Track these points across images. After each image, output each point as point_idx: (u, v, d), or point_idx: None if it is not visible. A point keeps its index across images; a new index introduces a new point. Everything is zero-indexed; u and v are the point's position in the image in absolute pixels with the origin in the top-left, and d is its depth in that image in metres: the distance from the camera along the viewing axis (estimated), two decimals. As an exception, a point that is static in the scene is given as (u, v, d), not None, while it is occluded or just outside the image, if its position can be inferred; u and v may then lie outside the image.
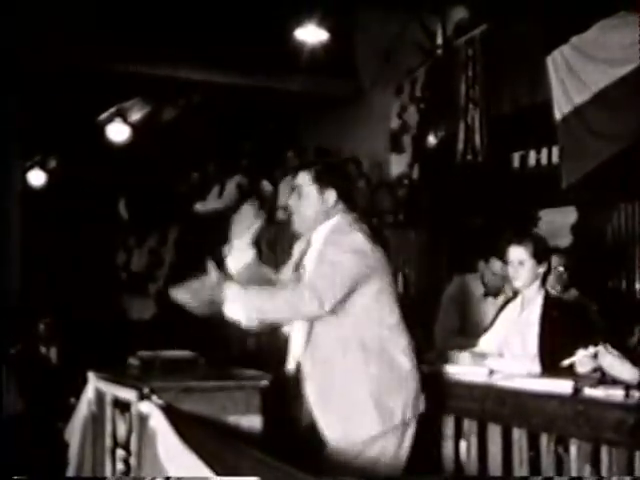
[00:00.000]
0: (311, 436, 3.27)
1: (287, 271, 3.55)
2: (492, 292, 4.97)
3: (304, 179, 3.43)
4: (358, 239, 3.30)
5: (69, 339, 7.55)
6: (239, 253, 3.50)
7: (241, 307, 3.11)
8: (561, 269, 4.98)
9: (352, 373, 3.26)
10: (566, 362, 3.57)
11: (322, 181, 3.40)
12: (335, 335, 3.27)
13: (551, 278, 4.92)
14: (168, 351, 3.71)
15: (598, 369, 3.47)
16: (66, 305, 8.87)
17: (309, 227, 3.44)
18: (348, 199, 3.45)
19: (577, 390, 3.27)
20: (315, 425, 3.28)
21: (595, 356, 3.47)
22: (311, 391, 3.31)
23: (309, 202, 3.41)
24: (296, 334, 3.41)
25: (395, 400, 3.28)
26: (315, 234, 3.44)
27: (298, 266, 3.48)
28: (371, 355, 3.28)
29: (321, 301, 3.14)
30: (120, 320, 9.35)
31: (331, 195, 3.40)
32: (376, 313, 3.32)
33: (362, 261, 3.26)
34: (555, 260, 4.93)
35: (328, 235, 3.37)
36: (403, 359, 3.33)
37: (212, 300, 3.13)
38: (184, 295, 3.18)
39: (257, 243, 3.56)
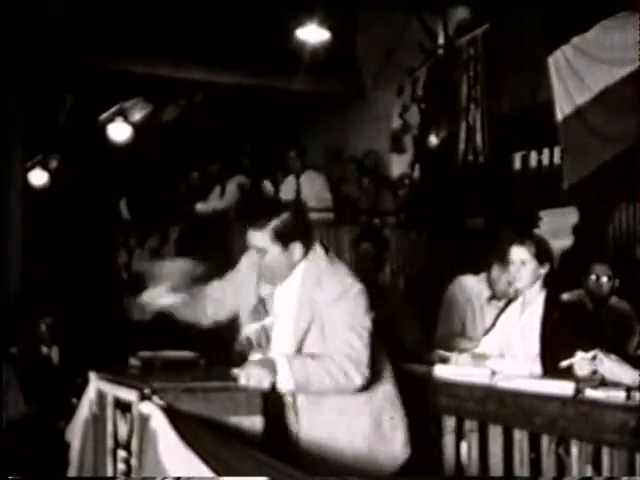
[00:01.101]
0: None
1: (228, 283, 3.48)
2: (501, 296, 4.93)
3: (263, 240, 3.19)
4: (348, 279, 3.19)
5: (71, 339, 7.55)
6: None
7: (290, 379, 3.07)
8: (605, 279, 5.04)
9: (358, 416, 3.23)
10: (564, 363, 3.58)
11: (283, 238, 3.18)
12: None
13: (591, 287, 4.98)
14: (168, 351, 3.71)
15: (597, 371, 3.47)
16: (67, 305, 8.87)
17: (281, 280, 3.28)
18: (315, 244, 3.28)
19: (578, 391, 3.27)
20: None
21: (594, 359, 3.47)
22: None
23: (275, 261, 3.21)
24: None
25: (396, 445, 3.24)
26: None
27: (264, 304, 3.34)
28: (380, 400, 3.25)
29: (364, 376, 3.09)
30: (122, 320, 9.35)
31: (296, 249, 3.21)
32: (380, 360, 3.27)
33: (367, 303, 3.19)
34: (599, 269, 4.98)
35: (315, 278, 3.20)
36: (397, 400, 3.30)
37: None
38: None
39: None
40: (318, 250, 3.27)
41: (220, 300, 3.52)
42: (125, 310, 9.76)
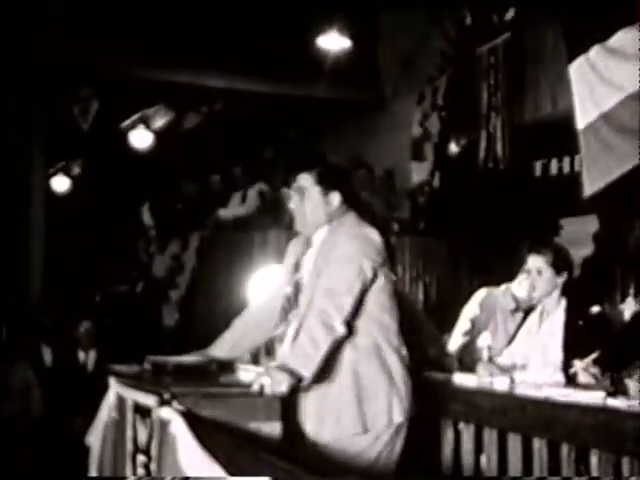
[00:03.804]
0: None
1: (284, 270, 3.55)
2: (523, 307, 4.87)
3: (307, 181, 3.36)
4: (366, 230, 3.30)
5: (105, 344, 7.61)
6: None
7: (308, 369, 3.09)
8: None
9: (339, 372, 3.23)
10: (572, 371, 3.57)
11: (325, 183, 3.35)
12: None
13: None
14: (179, 357, 3.66)
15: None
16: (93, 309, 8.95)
17: (312, 229, 3.39)
18: (353, 202, 3.41)
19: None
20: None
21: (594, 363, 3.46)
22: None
23: (312, 204, 3.35)
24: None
25: (381, 403, 3.23)
26: (317, 234, 3.39)
27: (298, 266, 3.43)
28: (361, 354, 3.24)
29: (341, 313, 3.13)
30: (153, 326, 9.37)
31: (335, 198, 3.35)
32: (374, 311, 3.28)
33: (371, 250, 3.23)
34: None
35: (333, 228, 3.32)
36: (393, 360, 3.29)
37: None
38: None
39: None
40: (352, 214, 3.37)
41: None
42: (141, 315, 9.81)
